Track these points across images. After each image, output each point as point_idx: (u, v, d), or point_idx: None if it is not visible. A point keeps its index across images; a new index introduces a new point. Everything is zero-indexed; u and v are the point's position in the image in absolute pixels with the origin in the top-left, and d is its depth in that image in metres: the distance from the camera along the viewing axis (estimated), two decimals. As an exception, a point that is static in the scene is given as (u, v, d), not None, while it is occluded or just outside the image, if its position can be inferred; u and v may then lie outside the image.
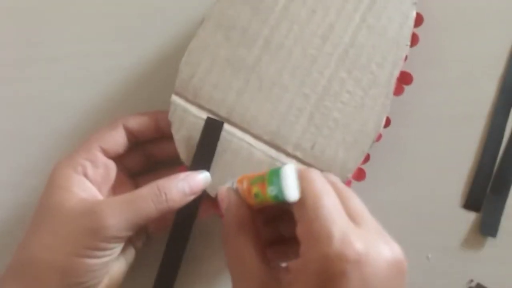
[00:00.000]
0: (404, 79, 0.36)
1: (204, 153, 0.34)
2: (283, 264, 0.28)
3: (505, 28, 0.39)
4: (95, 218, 0.30)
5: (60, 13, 0.38)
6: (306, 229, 0.25)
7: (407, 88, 0.38)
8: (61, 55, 0.38)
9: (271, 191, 0.26)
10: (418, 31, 0.36)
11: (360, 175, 0.35)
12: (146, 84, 0.38)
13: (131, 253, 0.36)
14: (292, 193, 0.26)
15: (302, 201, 0.26)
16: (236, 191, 0.30)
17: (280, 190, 0.26)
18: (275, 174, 0.26)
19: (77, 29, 0.38)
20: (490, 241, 0.38)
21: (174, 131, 0.34)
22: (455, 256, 0.39)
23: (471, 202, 0.38)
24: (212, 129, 0.34)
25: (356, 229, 0.25)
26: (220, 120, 0.34)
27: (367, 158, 0.35)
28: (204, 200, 0.34)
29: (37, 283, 0.30)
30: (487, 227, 0.38)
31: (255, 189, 0.28)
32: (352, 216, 0.25)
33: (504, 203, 0.38)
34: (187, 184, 0.32)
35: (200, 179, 0.33)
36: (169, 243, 0.34)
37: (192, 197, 0.33)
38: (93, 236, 0.30)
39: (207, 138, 0.34)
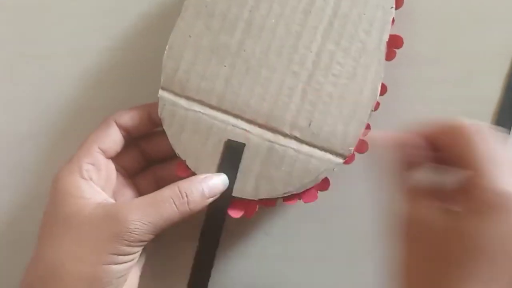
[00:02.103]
0: (394, 42, 0.34)
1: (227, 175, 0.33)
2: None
3: (511, 25, 0.38)
4: (119, 223, 0.30)
5: (54, 10, 0.38)
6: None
7: (410, 85, 0.37)
8: (56, 53, 0.38)
9: None
10: (422, 26, 0.36)
11: (362, 147, 0.34)
12: (145, 82, 0.37)
13: (142, 256, 0.35)
14: None
15: None
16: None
17: None
18: None
19: (71, 27, 0.38)
20: None
21: (166, 127, 0.33)
22: None
23: None
24: (233, 152, 0.33)
25: None
26: (241, 142, 0.33)
27: (367, 129, 0.34)
28: (233, 202, 0.34)
29: None
30: None
31: None
32: None
33: None
34: (206, 186, 0.32)
35: (218, 181, 0.32)
36: (200, 247, 0.33)
37: (210, 200, 0.32)
38: (118, 241, 0.29)
39: (228, 161, 0.33)
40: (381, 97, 0.35)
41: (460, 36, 0.38)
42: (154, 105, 0.34)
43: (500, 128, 0.37)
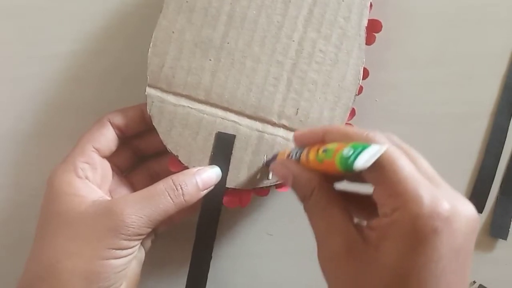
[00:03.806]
0: (374, 27, 0.35)
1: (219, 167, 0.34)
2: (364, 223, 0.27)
3: (508, 26, 0.38)
4: (115, 217, 0.30)
5: (58, 11, 0.37)
6: (388, 192, 0.24)
7: (409, 87, 0.38)
8: (58, 54, 0.37)
9: (347, 151, 0.24)
10: (421, 28, 0.37)
11: (349, 130, 0.35)
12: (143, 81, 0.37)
13: (141, 252, 0.35)
14: (367, 158, 0.23)
15: (378, 165, 0.24)
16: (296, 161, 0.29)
17: (357, 153, 0.23)
18: (361, 144, 0.24)
19: (74, 28, 0.37)
20: (499, 242, 0.39)
21: (155, 123, 0.33)
22: None
23: (474, 202, 0.37)
24: (224, 144, 0.33)
25: (437, 189, 0.24)
26: (231, 134, 0.34)
27: (353, 113, 0.35)
28: (227, 192, 0.34)
29: None
30: (498, 229, 0.38)
31: (322, 150, 0.26)
32: (427, 177, 0.25)
33: (491, 182, 0.38)
34: (199, 178, 0.32)
35: (211, 173, 0.33)
36: (198, 239, 0.34)
37: (204, 192, 0.33)
38: (115, 236, 0.30)
39: (220, 153, 0.33)
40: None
41: (458, 39, 0.38)
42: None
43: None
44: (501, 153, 0.39)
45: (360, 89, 0.35)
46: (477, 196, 0.38)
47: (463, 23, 0.38)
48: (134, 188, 0.36)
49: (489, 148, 0.38)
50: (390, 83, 0.38)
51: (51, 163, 0.33)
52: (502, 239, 0.38)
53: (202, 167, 0.33)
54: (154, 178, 0.35)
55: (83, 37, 0.37)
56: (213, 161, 0.33)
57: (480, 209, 0.39)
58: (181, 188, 0.31)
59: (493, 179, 0.39)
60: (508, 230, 0.38)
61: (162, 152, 0.34)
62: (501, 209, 0.38)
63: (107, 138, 0.33)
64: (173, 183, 0.31)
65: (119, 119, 0.34)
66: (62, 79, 0.38)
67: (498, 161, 0.39)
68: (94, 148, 0.33)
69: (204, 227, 0.34)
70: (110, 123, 0.34)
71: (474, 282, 0.38)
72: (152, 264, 0.37)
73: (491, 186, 0.39)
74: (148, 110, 0.33)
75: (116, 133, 0.34)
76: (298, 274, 0.39)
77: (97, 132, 0.33)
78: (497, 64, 0.39)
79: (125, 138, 0.35)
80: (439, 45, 0.38)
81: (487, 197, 0.39)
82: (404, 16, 0.38)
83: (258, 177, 0.34)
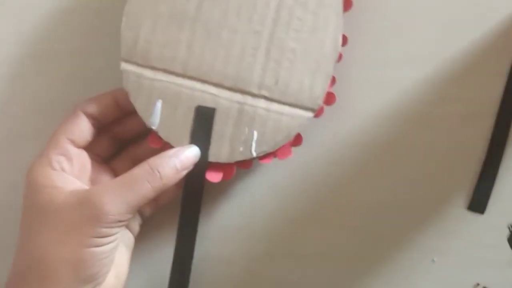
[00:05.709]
0: (350, -8, 0.35)
1: (199, 143, 0.33)
2: None
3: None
4: (94, 206, 0.30)
5: (54, 10, 0.37)
6: None
7: (411, 85, 0.37)
8: (56, 52, 0.37)
9: None
10: (422, 26, 0.36)
11: (330, 99, 0.35)
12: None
13: (129, 238, 0.35)
14: None
15: None
16: None
17: None
18: None
19: (71, 26, 0.37)
20: (505, 245, 0.38)
21: (132, 99, 0.33)
22: (461, 259, 0.38)
23: (476, 204, 0.37)
24: (204, 117, 0.33)
25: None
26: (211, 107, 0.33)
27: (333, 81, 0.35)
28: (210, 166, 0.33)
29: (49, 282, 0.30)
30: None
31: None
32: None
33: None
34: (178, 160, 0.32)
35: (189, 153, 0.32)
36: (182, 215, 0.34)
37: (184, 173, 0.32)
38: (95, 224, 0.29)
39: (200, 127, 0.33)
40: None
41: (460, 36, 0.37)
42: (120, 91, 0.33)
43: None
44: (503, 153, 0.37)
45: (340, 57, 0.34)
46: (479, 198, 0.38)
47: (465, 21, 0.37)
48: (116, 175, 0.35)
49: (491, 149, 0.37)
50: (391, 81, 0.37)
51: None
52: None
53: (180, 147, 0.32)
54: (136, 163, 0.34)
55: (84, 35, 0.37)
56: (193, 136, 0.33)
57: (482, 210, 0.38)
58: (159, 171, 0.31)
59: (495, 179, 0.37)
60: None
61: (142, 135, 0.34)
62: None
63: (81, 128, 0.33)
64: (150, 167, 0.31)
65: (92, 108, 0.33)
66: (61, 77, 0.37)
67: (500, 162, 0.37)
68: (68, 139, 0.33)
69: (188, 202, 0.33)
70: (84, 112, 0.33)
71: (478, 284, 0.38)
72: (139, 247, 0.37)
73: (492, 187, 0.37)
74: (124, 85, 0.33)
75: (91, 122, 0.33)
76: (299, 275, 0.39)
77: (70, 123, 0.33)
78: (500, 61, 0.37)
79: (102, 126, 0.34)
80: (440, 43, 0.37)
81: (489, 198, 0.38)
82: (403, 11, 0.37)
83: (240, 149, 0.33)
